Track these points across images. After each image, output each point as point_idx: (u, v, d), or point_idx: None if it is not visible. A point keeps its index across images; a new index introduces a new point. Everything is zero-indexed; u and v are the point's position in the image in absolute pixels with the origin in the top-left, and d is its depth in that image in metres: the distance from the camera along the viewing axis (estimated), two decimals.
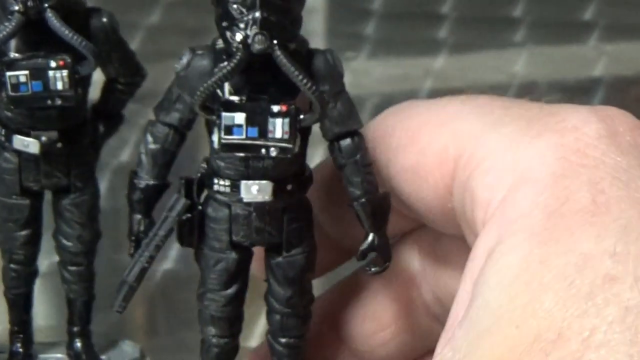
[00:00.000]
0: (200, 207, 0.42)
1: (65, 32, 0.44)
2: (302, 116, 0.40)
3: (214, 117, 0.40)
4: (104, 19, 0.47)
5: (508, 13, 1.17)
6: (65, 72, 0.45)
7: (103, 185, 0.52)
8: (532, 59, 1.05)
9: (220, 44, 0.41)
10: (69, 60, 0.45)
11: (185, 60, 0.41)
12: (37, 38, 0.45)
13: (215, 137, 0.40)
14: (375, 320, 0.44)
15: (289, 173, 0.41)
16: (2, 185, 0.49)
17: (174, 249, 0.73)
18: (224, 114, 0.39)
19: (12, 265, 0.51)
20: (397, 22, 1.15)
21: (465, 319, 0.32)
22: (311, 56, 0.41)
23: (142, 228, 0.43)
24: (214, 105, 0.40)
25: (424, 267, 0.43)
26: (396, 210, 0.42)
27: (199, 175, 0.42)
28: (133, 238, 0.43)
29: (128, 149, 0.88)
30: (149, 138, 0.42)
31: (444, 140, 0.38)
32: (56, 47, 0.45)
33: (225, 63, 0.39)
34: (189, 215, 0.42)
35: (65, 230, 0.50)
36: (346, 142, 0.41)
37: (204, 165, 0.42)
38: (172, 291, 0.73)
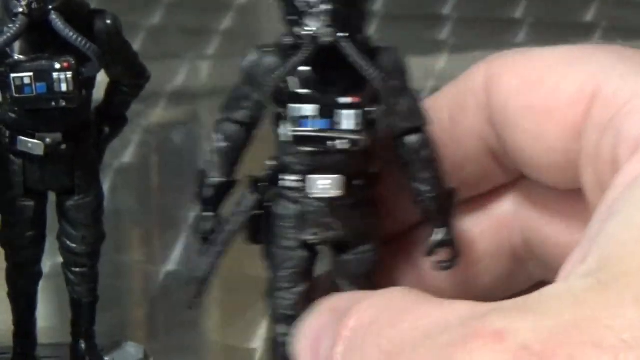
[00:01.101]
0: (268, 205, 0.42)
1: (70, 34, 0.44)
2: (370, 108, 0.40)
3: (283, 110, 0.40)
4: (108, 21, 0.47)
5: (509, 14, 1.17)
6: (69, 74, 0.45)
7: (105, 186, 0.52)
8: None
9: (286, 40, 0.41)
10: (73, 62, 0.45)
11: (252, 58, 0.41)
12: (40, 40, 0.45)
13: (283, 131, 0.41)
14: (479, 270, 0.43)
15: (358, 168, 0.41)
16: (4, 187, 0.49)
17: (176, 251, 0.73)
18: (293, 106, 0.40)
19: (18, 267, 0.51)
20: (398, 23, 1.15)
21: (602, 234, 0.30)
22: (376, 52, 0.41)
23: (210, 225, 0.43)
24: (283, 98, 0.40)
25: (517, 211, 0.43)
26: (496, 163, 0.41)
27: (266, 172, 0.42)
28: (201, 235, 0.43)
29: (130, 149, 0.89)
30: (218, 136, 0.43)
31: (579, 79, 0.37)
32: (60, 49, 0.45)
33: (294, 56, 0.39)
34: (257, 212, 0.42)
35: (69, 231, 0.50)
36: (412, 138, 0.41)
37: (271, 162, 0.43)
38: (174, 293, 0.73)
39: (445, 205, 0.41)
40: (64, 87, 0.45)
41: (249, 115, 0.42)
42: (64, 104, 0.46)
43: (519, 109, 0.39)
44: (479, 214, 0.43)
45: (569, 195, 0.38)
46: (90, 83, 0.47)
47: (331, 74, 0.40)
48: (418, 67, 1.17)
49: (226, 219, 0.43)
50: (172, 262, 0.74)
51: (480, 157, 0.41)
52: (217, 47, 1.01)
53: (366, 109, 0.40)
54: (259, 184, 0.42)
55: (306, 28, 0.39)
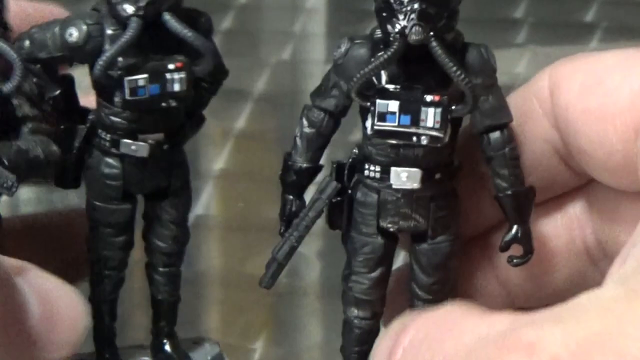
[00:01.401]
0: (349, 192, 0.43)
1: (187, 33, 0.44)
2: (454, 107, 0.40)
3: (369, 104, 0.40)
4: (203, 19, 0.47)
5: (510, 14, 1.17)
6: (183, 74, 0.45)
7: None
8: (534, 60, 1.05)
9: (378, 34, 0.41)
10: (186, 61, 0.45)
11: (343, 48, 0.42)
12: (147, 41, 0.44)
13: (368, 124, 0.41)
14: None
15: (438, 162, 0.42)
16: (101, 191, 0.48)
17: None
18: (378, 101, 0.40)
19: (106, 272, 0.50)
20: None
21: None
22: (465, 49, 0.41)
23: (294, 208, 0.44)
24: (370, 92, 0.40)
25: (588, 212, 0.43)
26: (565, 166, 0.42)
27: (350, 160, 0.43)
28: (284, 218, 0.44)
29: None
30: (305, 122, 0.43)
31: (636, 82, 0.37)
32: (168, 50, 0.45)
33: (383, 52, 0.39)
34: (339, 198, 0.43)
35: (160, 231, 0.50)
36: (496, 135, 0.42)
37: (356, 150, 0.43)
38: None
39: (523, 202, 0.42)
40: (176, 87, 0.45)
41: (335, 103, 0.43)
42: (174, 104, 0.45)
43: (580, 113, 0.39)
44: (553, 214, 0.44)
45: (638, 197, 0.38)
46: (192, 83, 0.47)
47: (418, 71, 0.41)
48: None
49: (308, 204, 0.44)
50: None
51: (549, 161, 0.42)
52: (217, 46, 1.01)
53: (449, 107, 0.40)
54: (343, 171, 0.43)
55: (397, 25, 0.39)
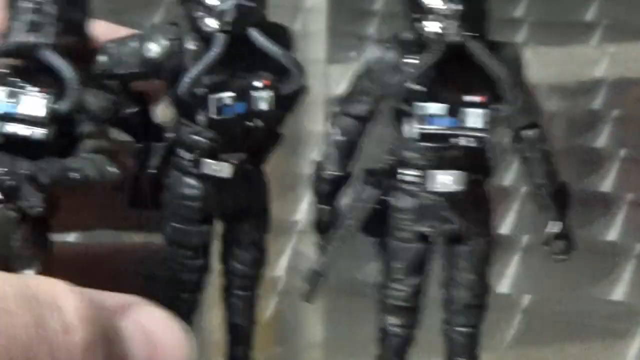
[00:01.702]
0: (384, 198, 0.43)
1: (274, 49, 0.43)
2: (498, 107, 0.41)
3: (408, 107, 0.41)
4: (286, 34, 0.46)
5: (510, 13, 1.17)
6: (270, 93, 0.44)
7: None
8: (534, 59, 1.05)
9: (404, 35, 0.42)
10: (273, 79, 0.44)
11: (375, 53, 0.42)
12: (233, 58, 0.43)
13: (407, 127, 0.41)
14: None
15: (478, 163, 0.43)
16: (179, 212, 0.47)
17: None
18: (423, 104, 0.41)
19: (182, 295, 0.49)
20: (398, 22, 1.15)
21: None
22: (495, 48, 0.41)
23: (327, 218, 0.44)
24: (409, 95, 0.41)
25: None
26: None
27: (383, 165, 0.43)
28: (318, 228, 0.44)
29: None
30: (335, 130, 0.44)
31: None
32: (254, 67, 0.44)
33: (423, 55, 0.40)
34: (376, 205, 0.43)
35: (239, 254, 0.49)
36: (530, 132, 0.42)
37: (389, 156, 0.43)
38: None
39: (561, 198, 0.43)
40: (263, 106, 0.44)
41: (367, 109, 0.43)
42: (260, 123, 0.44)
43: None
44: None
45: None
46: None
47: (456, 72, 0.41)
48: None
49: (344, 212, 0.44)
50: None
51: None
52: None
53: (492, 107, 0.41)
54: (377, 178, 0.43)
55: (433, 26, 0.40)
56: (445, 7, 0.40)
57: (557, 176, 0.43)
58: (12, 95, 0.41)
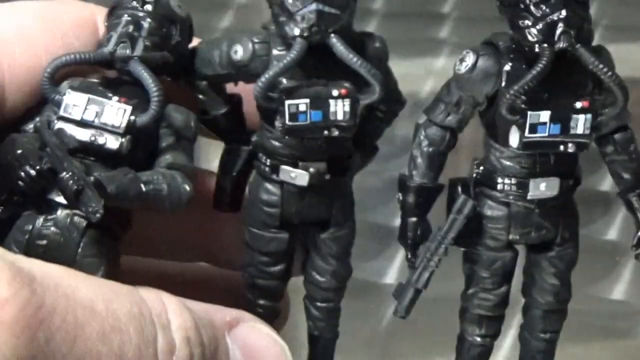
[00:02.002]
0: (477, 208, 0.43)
1: (354, 58, 0.42)
2: (604, 111, 0.41)
3: (518, 118, 0.41)
4: (377, 44, 0.45)
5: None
6: (347, 102, 0.43)
7: None
8: None
9: (503, 42, 0.42)
10: (351, 88, 0.43)
11: (470, 61, 0.42)
12: (313, 64, 0.43)
13: (514, 138, 0.41)
14: None
15: (571, 169, 0.43)
16: (258, 218, 0.47)
17: None
18: (530, 112, 0.40)
19: (260, 302, 0.48)
20: (398, 22, 1.16)
21: None
22: (597, 50, 0.41)
23: (419, 232, 0.43)
24: (518, 105, 0.40)
25: None
26: None
27: (474, 176, 0.43)
28: (410, 242, 0.44)
29: None
30: (424, 141, 0.43)
31: None
32: (334, 75, 0.43)
33: (536, 64, 0.39)
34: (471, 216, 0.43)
35: (319, 264, 0.48)
36: (620, 135, 0.43)
37: (478, 165, 0.43)
38: None
39: None
40: (340, 116, 0.43)
41: (458, 119, 0.43)
42: (336, 133, 0.43)
43: None
44: None
45: None
46: (357, 111, 0.44)
47: (562, 78, 0.41)
48: (418, 66, 1.17)
49: (446, 225, 0.43)
50: None
51: None
52: None
53: (598, 111, 0.41)
54: (472, 188, 0.43)
55: (541, 34, 0.39)
56: (555, 14, 0.40)
57: None
58: (93, 103, 0.41)
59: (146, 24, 0.42)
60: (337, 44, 0.42)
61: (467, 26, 1.15)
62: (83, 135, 0.41)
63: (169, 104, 0.42)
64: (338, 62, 0.42)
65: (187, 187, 0.42)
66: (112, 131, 0.41)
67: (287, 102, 0.43)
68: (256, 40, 0.44)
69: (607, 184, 0.77)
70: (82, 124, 0.41)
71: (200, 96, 0.46)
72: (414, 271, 0.43)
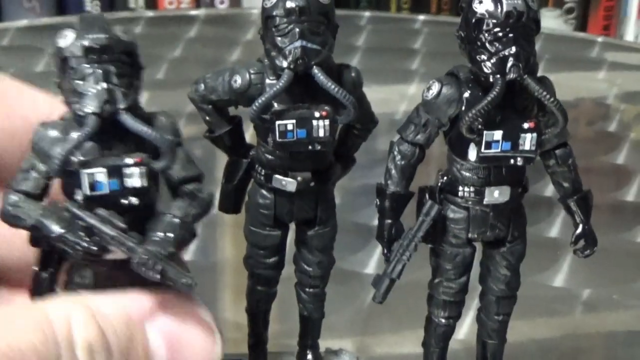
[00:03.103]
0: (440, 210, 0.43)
1: (331, 86, 0.42)
2: (547, 130, 0.41)
3: (475, 136, 0.41)
4: (353, 74, 0.45)
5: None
6: (327, 122, 0.43)
7: None
8: None
9: (463, 73, 0.41)
10: (330, 110, 0.43)
11: (435, 89, 0.42)
12: (299, 91, 0.43)
13: (472, 153, 0.42)
14: None
15: (520, 179, 0.43)
16: (256, 218, 0.47)
17: (193, 243, 0.73)
18: (486, 132, 0.40)
19: (258, 287, 0.49)
20: (377, 56, 1.15)
21: None
22: (541, 80, 0.41)
23: (393, 232, 0.43)
24: (476, 126, 0.40)
25: None
26: None
27: (439, 184, 0.43)
28: (385, 240, 0.43)
29: None
30: (397, 155, 0.43)
31: None
32: (316, 99, 0.43)
33: (491, 92, 0.39)
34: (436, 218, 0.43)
35: (307, 257, 0.49)
36: (561, 150, 0.43)
37: (442, 175, 0.43)
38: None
39: (587, 204, 0.43)
40: (321, 133, 0.43)
41: (426, 138, 0.43)
42: (319, 147, 0.44)
43: None
44: None
45: None
46: (336, 131, 0.46)
47: (513, 103, 0.41)
48: (394, 92, 1.16)
49: (415, 226, 0.43)
50: (189, 254, 0.73)
51: None
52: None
53: (543, 130, 0.41)
54: (437, 195, 0.43)
55: (495, 67, 0.39)
56: (506, 51, 0.39)
57: (581, 186, 0.43)
58: (112, 173, 0.36)
59: (113, 70, 0.36)
60: (318, 74, 0.42)
61: (434, 59, 1.15)
62: (115, 204, 0.37)
63: (153, 122, 0.38)
64: (319, 89, 0.42)
65: (207, 194, 0.39)
66: (136, 193, 0.37)
67: (277, 122, 0.43)
68: (252, 71, 0.44)
69: (549, 190, 0.77)
70: (110, 196, 0.37)
71: (207, 118, 0.46)
72: (389, 264, 0.43)
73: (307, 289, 0.49)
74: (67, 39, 0.37)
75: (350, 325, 0.64)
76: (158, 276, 0.35)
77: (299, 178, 0.46)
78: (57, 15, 1.58)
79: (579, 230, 0.43)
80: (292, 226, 0.49)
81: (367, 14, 1.31)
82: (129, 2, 1.69)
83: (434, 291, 0.44)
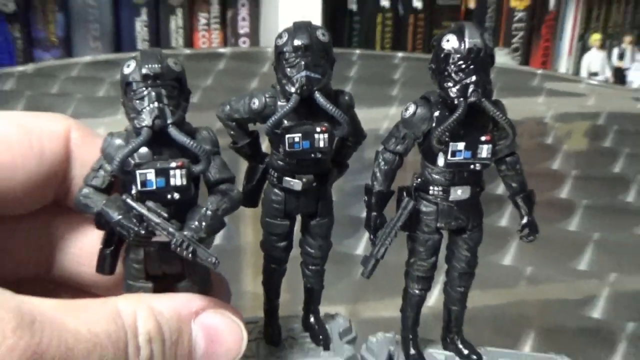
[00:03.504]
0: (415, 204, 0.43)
1: (330, 107, 0.42)
2: (500, 142, 0.41)
3: (443, 147, 0.40)
4: (346, 98, 0.45)
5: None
6: (326, 135, 0.43)
7: None
8: None
9: (434, 97, 0.41)
10: (328, 126, 0.43)
11: (411, 110, 0.41)
12: (304, 111, 0.43)
13: (440, 160, 0.41)
14: None
15: (478, 180, 0.43)
16: (270, 211, 0.47)
17: (222, 231, 0.73)
18: (451, 143, 0.40)
19: (271, 265, 0.49)
20: (365, 84, 1.15)
21: None
22: (496, 103, 0.41)
23: (378, 221, 0.43)
24: (444, 140, 0.40)
25: None
26: None
27: (414, 184, 0.43)
28: (372, 228, 0.43)
29: None
30: (382, 162, 0.43)
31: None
32: (318, 117, 0.43)
33: (455, 112, 0.39)
34: (412, 211, 0.43)
35: (310, 241, 0.48)
36: (510, 158, 0.43)
37: (416, 179, 0.43)
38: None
39: (531, 200, 0.43)
40: (321, 144, 0.43)
41: (404, 148, 0.42)
42: (320, 156, 0.43)
43: None
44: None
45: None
46: (334, 142, 0.45)
47: (473, 121, 0.40)
48: (378, 113, 1.16)
49: (395, 217, 0.43)
50: (217, 238, 0.73)
51: None
52: None
53: (497, 143, 0.41)
54: (413, 193, 0.43)
55: (460, 91, 0.39)
56: (468, 79, 0.39)
57: (526, 186, 0.43)
58: (160, 175, 0.37)
59: (164, 93, 0.37)
60: (319, 98, 0.42)
61: (410, 87, 1.14)
62: (161, 198, 0.37)
63: (196, 134, 0.39)
64: (320, 109, 0.42)
65: (237, 193, 0.39)
66: (178, 190, 0.37)
67: (287, 135, 0.42)
68: (267, 95, 0.44)
69: (500, 189, 0.77)
70: (155, 192, 0.37)
71: (232, 132, 0.46)
72: (374, 247, 0.43)
73: (310, 267, 0.49)
74: (130, 67, 0.37)
75: (344, 295, 0.64)
76: (190, 255, 0.36)
77: (304, 180, 0.45)
78: (114, 52, 1.58)
79: (524, 221, 0.43)
80: (299, 218, 0.49)
81: (357, 51, 1.31)
82: (171, 42, 1.69)
83: (410, 268, 0.44)
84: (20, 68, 1.20)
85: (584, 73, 1.98)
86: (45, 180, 0.38)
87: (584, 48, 2.03)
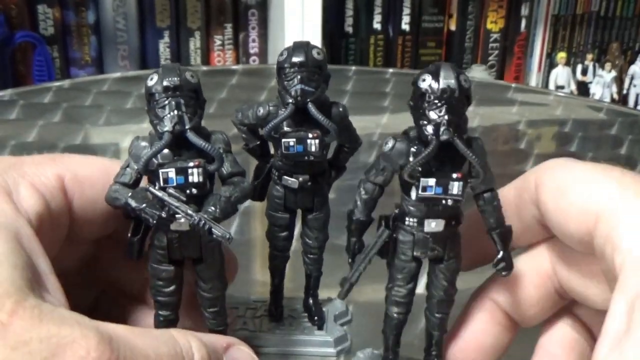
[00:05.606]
0: (393, 235, 0.41)
1: (320, 117, 0.42)
2: (470, 180, 0.39)
3: (415, 181, 0.38)
4: (340, 109, 0.45)
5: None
6: (317, 141, 0.43)
7: None
8: None
9: (413, 132, 0.39)
10: (320, 133, 0.43)
11: (390, 144, 0.40)
12: (299, 118, 0.43)
13: (413, 193, 0.39)
14: (527, 296, 0.41)
15: (453, 214, 0.40)
16: (272, 205, 0.47)
17: (234, 225, 0.72)
18: (422, 179, 0.38)
19: (275, 253, 0.49)
20: (360, 97, 1.15)
21: (621, 348, 0.27)
22: (470, 142, 0.39)
23: (357, 246, 0.42)
24: (415, 174, 0.38)
25: (554, 265, 0.40)
26: (543, 229, 0.39)
27: (393, 214, 0.41)
28: (351, 253, 0.42)
29: None
30: (362, 191, 0.41)
31: (588, 198, 0.34)
32: (311, 125, 0.43)
33: (426, 149, 0.37)
34: (387, 240, 0.41)
35: (309, 233, 0.48)
36: (488, 195, 0.40)
37: (396, 209, 0.41)
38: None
39: (508, 236, 0.40)
40: (313, 149, 0.43)
41: (384, 180, 0.41)
42: (312, 158, 0.44)
43: (553, 209, 0.36)
44: (532, 261, 0.41)
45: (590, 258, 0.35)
46: (327, 147, 0.45)
47: (445, 158, 0.38)
48: (371, 122, 1.15)
49: (370, 244, 0.41)
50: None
51: (534, 226, 0.39)
52: None
53: (468, 180, 0.39)
54: (390, 222, 0.41)
55: (430, 128, 0.37)
56: (440, 119, 0.37)
57: (503, 222, 0.40)
58: (180, 173, 0.38)
59: (183, 102, 0.38)
60: (312, 109, 0.42)
61: (399, 99, 1.14)
62: (181, 193, 0.38)
63: (211, 137, 0.40)
64: (312, 118, 0.42)
65: (247, 184, 0.40)
66: (196, 185, 0.38)
67: (283, 140, 0.43)
68: (271, 105, 0.44)
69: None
70: (176, 187, 0.38)
71: (243, 135, 0.48)
72: (350, 272, 0.42)
73: (309, 256, 0.49)
74: (153, 80, 0.38)
75: (339, 281, 0.64)
76: (207, 233, 0.37)
77: (300, 179, 0.46)
78: (140, 69, 1.58)
79: (499, 255, 0.40)
80: (299, 212, 0.49)
81: (353, 68, 1.30)
82: (191, 61, 1.70)
83: (389, 292, 0.43)
84: (57, 83, 1.19)
85: (552, 86, 1.99)
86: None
87: (551, 64, 2.05)
